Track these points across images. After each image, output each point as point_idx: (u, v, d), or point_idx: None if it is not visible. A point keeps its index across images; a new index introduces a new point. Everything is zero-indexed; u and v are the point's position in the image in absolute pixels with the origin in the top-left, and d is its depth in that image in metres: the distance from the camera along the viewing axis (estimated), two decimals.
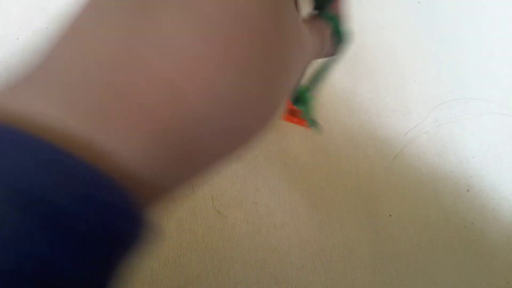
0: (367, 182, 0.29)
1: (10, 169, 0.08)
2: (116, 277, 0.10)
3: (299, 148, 0.29)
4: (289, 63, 0.12)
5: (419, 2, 0.37)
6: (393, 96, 0.32)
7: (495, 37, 0.35)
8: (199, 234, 0.26)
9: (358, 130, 0.31)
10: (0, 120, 0.08)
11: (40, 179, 0.08)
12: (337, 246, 0.27)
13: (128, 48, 0.10)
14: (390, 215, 0.28)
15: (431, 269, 0.27)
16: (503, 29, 0.36)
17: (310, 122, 0.23)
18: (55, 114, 0.09)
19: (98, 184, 0.09)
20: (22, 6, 0.30)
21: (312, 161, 0.29)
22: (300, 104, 0.22)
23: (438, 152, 0.31)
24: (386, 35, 0.35)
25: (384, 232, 0.28)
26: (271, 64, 0.12)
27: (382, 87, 0.32)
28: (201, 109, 0.10)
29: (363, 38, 0.34)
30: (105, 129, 0.09)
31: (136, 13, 0.10)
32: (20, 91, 0.09)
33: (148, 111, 0.09)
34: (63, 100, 0.09)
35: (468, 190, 0.30)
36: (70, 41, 0.10)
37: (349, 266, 0.27)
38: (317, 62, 0.19)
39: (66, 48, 0.10)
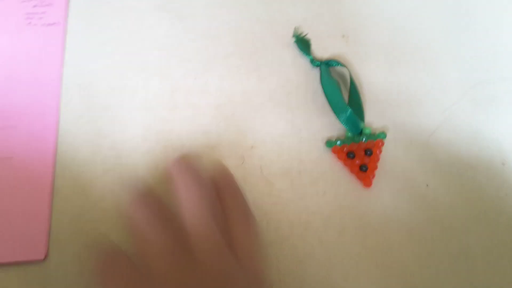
0: (405, 154, 0.31)
1: None
2: None
3: (341, 125, 0.32)
4: None
5: None
6: (430, 76, 0.34)
7: None
8: (250, 198, 0.30)
9: (395, 108, 0.33)
10: None
11: None
12: (375, 211, 0.29)
13: None
14: (427, 185, 0.30)
15: (464, 233, 0.29)
16: None
17: (381, 134, 0.31)
18: None
19: None
20: None
21: None
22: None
23: (474, 129, 0.32)
24: (423, 19, 0.36)
25: (421, 200, 0.30)
26: None
27: (420, 68, 0.34)
28: None
29: (400, 22, 0.36)
30: None
31: None
32: None
33: None
34: None
35: (503, 164, 0.31)
36: None
37: (386, 229, 0.29)
38: None
39: None
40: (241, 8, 0.36)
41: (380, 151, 0.31)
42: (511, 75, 0.34)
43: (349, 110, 0.30)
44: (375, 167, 0.30)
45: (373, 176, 0.30)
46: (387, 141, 0.31)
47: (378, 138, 0.31)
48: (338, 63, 0.33)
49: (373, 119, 0.32)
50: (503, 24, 0.36)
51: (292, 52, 0.35)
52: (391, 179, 0.30)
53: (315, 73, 0.34)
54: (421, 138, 0.32)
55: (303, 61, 0.34)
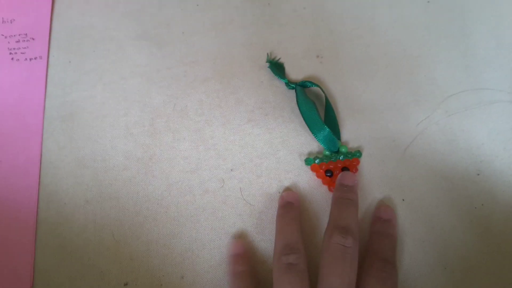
0: (381, 170, 0.32)
1: None
2: None
3: (317, 144, 0.32)
4: None
5: (428, 2, 0.39)
6: (404, 91, 0.35)
7: (502, 30, 0.37)
8: (230, 221, 0.30)
9: (370, 124, 0.33)
10: None
11: None
12: None
13: None
14: (403, 200, 0.31)
15: (441, 244, 0.29)
16: (509, 24, 0.37)
17: (357, 153, 0.32)
18: None
19: None
20: None
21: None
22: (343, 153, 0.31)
23: (448, 140, 0.33)
24: (396, 34, 0.37)
25: (398, 214, 0.30)
26: None
27: (394, 83, 0.35)
28: None
29: (374, 37, 0.37)
30: None
31: None
32: None
33: None
34: None
35: (478, 174, 0.31)
36: None
37: (363, 242, 0.29)
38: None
39: None
40: (218, 33, 0.37)
41: (356, 170, 0.31)
42: (482, 86, 0.35)
43: (327, 130, 0.31)
44: None
45: None
46: (363, 157, 0.32)
47: (354, 156, 0.31)
48: (312, 83, 0.34)
49: (348, 135, 0.33)
50: (473, 36, 0.37)
51: (269, 74, 0.35)
52: (368, 195, 0.31)
53: (292, 93, 0.34)
54: (396, 152, 0.32)
55: (279, 82, 0.35)
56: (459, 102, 0.34)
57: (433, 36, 0.37)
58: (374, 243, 0.28)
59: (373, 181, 0.31)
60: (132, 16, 0.38)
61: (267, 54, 0.36)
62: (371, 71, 0.36)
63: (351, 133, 0.33)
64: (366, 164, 0.32)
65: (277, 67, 0.35)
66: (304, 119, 0.32)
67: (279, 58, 0.36)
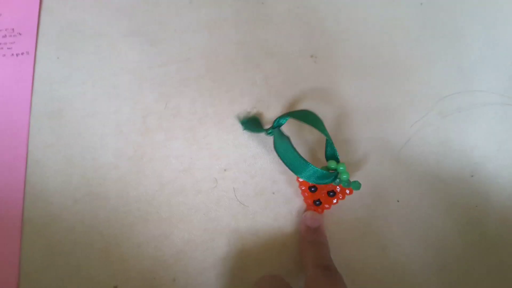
0: (376, 171, 0.31)
1: None
2: None
3: (311, 144, 0.32)
4: None
5: (421, 4, 0.39)
6: (398, 92, 0.35)
7: (496, 32, 0.37)
8: (224, 221, 0.30)
9: (365, 125, 0.33)
10: None
11: None
12: (347, 229, 0.30)
13: None
14: (398, 201, 0.31)
15: (439, 248, 0.29)
16: (504, 25, 0.38)
17: (355, 185, 0.28)
18: None
19: None
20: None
21: (323, 154, 0.31)
22: (341, 180, 0.27)
23: (442, 142, 0.33)
24: (390, 35, 0.37)
25: (392, 216, 0.30)
26: None
27: (388, 84, 0.35)
28: None
29: (368, 39, 0.37)
30: None
31: None
32: None
33: None
34: None
35: (472, 176, 0.32)
36: None
37: (360, 246, 0.29)
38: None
39: None
40: (211, 31, 0.37)
41: (344, 197, 0.29)
42: (476, 88, 0.35)
43: (311, 167, 0.27)
44: (328, 208, 0.29)
45: (322, 211, 0.29)
46: (359, 158, 0.32)
47: (350, 186, 0.28)
48: (285, 117, 0.30)
49: (343, 137, 0.33)
50: (467, 38, 0.37)
51: (263, 72, 0.35)
52: (363, 196, 0.31)
53: (289, 93, 0.34)
54: (391, 153, 0.32)
55: (273, 82, 0.35)
56: (453, 103, 0.34)
57: (427, 38, 0.37)
58: (310, 253, 0.27)
59: (368, 182, 0.31)
60: (124, 12, 0.37)
61: (237, 116, 0.33)
62: (366, 72, 0.35)
63: (346, 135, 0.33)
64: (361, 163, 0.32)
65: (252, 123, 0.32)
66: (284, 163, 0.28)
67: (249, 112, 0.33)
